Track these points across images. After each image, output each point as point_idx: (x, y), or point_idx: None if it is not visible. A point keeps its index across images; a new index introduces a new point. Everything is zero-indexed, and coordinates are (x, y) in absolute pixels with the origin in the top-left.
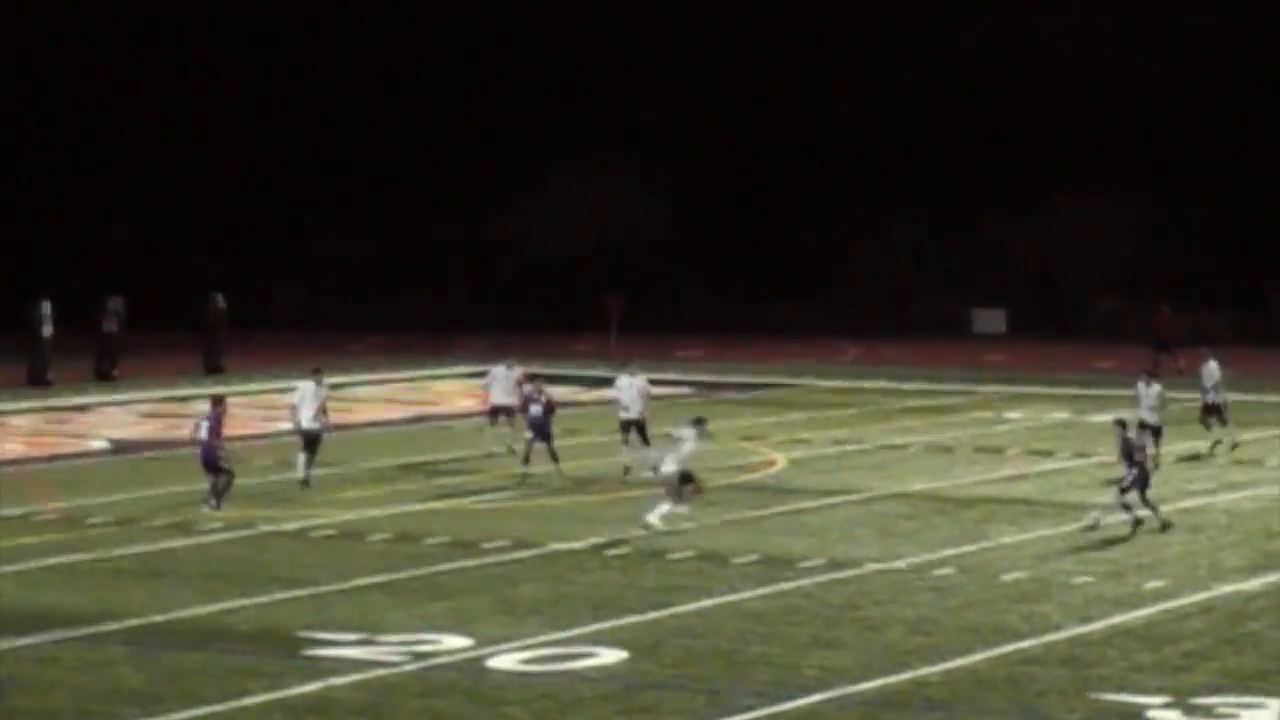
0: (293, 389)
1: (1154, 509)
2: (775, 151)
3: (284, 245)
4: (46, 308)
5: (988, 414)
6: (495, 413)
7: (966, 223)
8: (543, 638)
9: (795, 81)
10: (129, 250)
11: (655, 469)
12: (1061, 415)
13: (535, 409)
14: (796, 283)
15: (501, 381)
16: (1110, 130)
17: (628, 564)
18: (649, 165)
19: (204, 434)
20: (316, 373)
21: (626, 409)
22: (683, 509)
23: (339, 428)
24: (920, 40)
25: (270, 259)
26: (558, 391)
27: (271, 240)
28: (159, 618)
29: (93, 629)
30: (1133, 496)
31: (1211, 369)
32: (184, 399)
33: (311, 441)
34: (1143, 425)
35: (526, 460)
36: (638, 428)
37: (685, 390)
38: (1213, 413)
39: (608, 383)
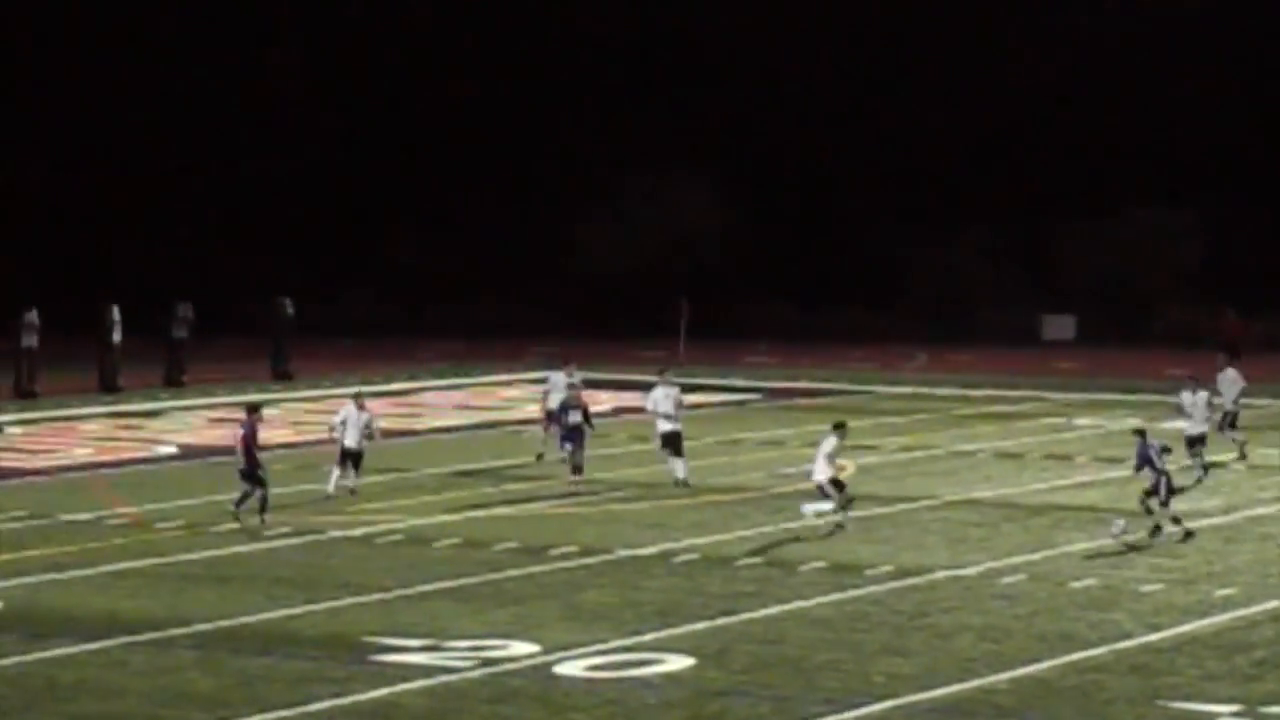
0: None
1: (1177, 520)
2: (845, 157)
3: (355, 250)
4: (116, 314)
5: (1058, 420)
6: (553, 419)
7: (1035, 229)
8: (610, 644)
9: (865, 87)
10: (198, 256)
11: (809, 476)
12: (1132, 422)
13: (574, 416)
14: (865, 289)
15: (560, 388)
16: (1179, 137)
17: (694, 570)
18: (719, 172)
19: (238, 441)
20: (358, 396)
21: (668, 419)
22: (835, 515)
23: (405, 434)
24: (991, 47)
25: (341, 264)
26: (625, 398)
27: (343, 245)
28: (227, 622)
29: (161, 633)
30: (1155, 502)
31: (1230, 376)
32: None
33: (354, 458)
34: (1190, 441)
35: (578, 469)
36: (674, 439)
37: (753, 396)
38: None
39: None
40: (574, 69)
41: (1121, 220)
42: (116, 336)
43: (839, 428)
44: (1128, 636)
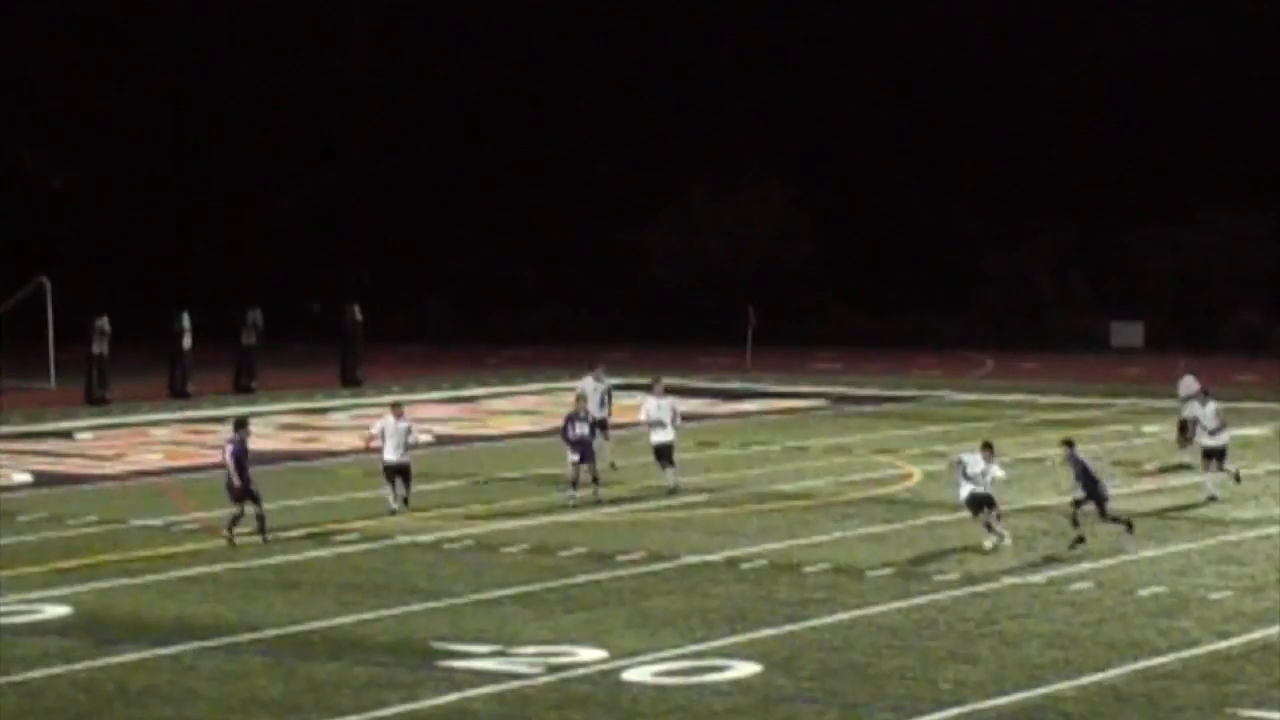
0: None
1: (1123, 521)
2: (914, 163)
3: (425, 257)
4: (186, 320)
5: (1126, 427)
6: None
7: (1105, 235)
8: (677, 650)
9: (934, 93)
10: (268, 263)
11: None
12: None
13: (581, 428)
14: (933, 295)
15: (591, 393)
16: (1251, 142)
17: (762, 577)
18: (787, 178)
19: (228, 458)
20: (396, 406)
21: (661, 428)
22: (999, 533)
23: (474, 439)
24: (1061, 54)
25: (411, 271)
26: (691, 405)
27: (412, 252)
28: (296, 628)
29: (231, 639)
30: (1083, 513)
31: (1189, 383)
32: (321, 411)
33: (399, 472)
34: (1209, 453)
35: (596, 480)
36: (666, 451)
37: (820, 403)
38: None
39: (742, 395)
40: (642, 76)
41: (1191, 227)
42: (187, 343)
43: (987, 448)
44: (1196, 644)
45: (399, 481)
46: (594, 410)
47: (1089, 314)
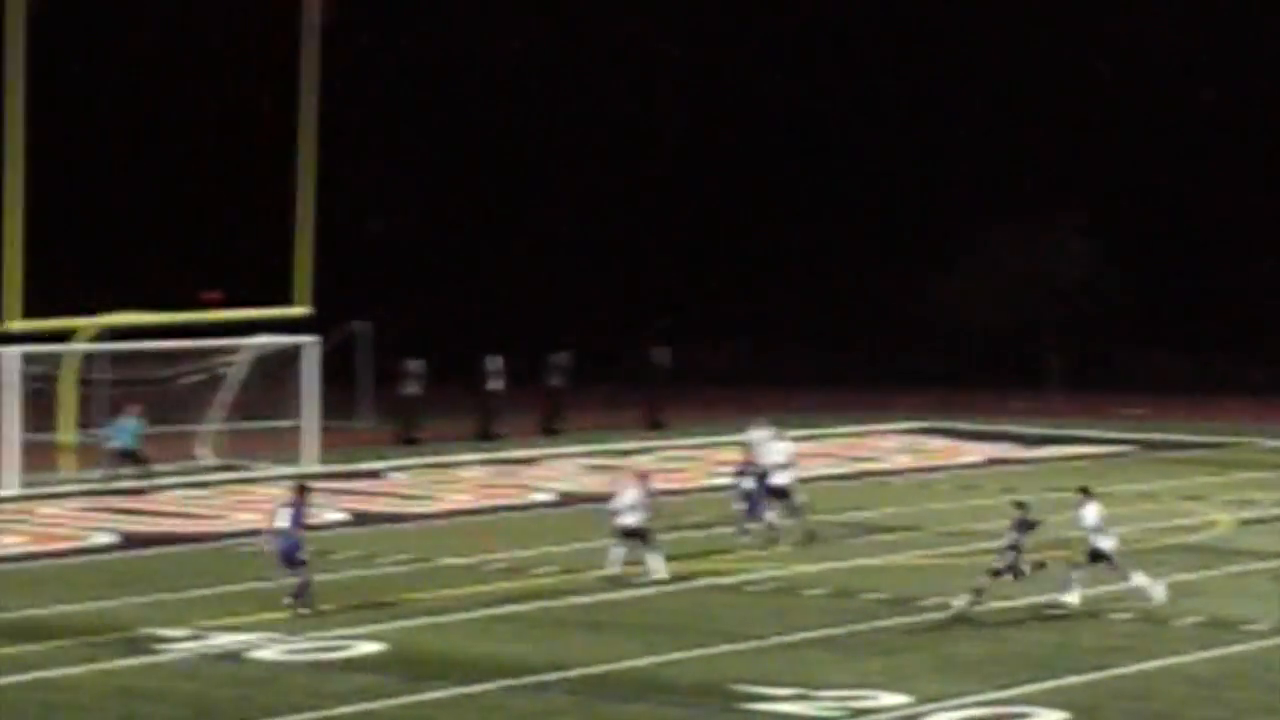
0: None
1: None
2: (1223, 201)
3: (728, 300)
4: (496, 362)
5: None
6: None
7: None
8: (980, 697)
9: (1239, 127)
10: (575, 306)
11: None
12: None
13: (747, 483)
14: (1243, 336)
15: (761, 444)
16: None
17: (1067, 624)
18: (1090, 218)
19: (285, 522)
20: (643, 478)
21: (781, 467)
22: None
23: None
24: None
25: (714, 313)
26: (996, 449)
27: (716, 295)
28: (601, 668)
29: (538, 678)
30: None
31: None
32: (625, 453)
33: (636, 535)
34: None
35: (746, 531)
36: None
37: (1126, 448)
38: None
39: (1046, 440)
40: (938, 117)
41: None
42: (497, 384)
43: (1085, 492)
44: None
45: (635, 541)
46: (764, 461)
47: None
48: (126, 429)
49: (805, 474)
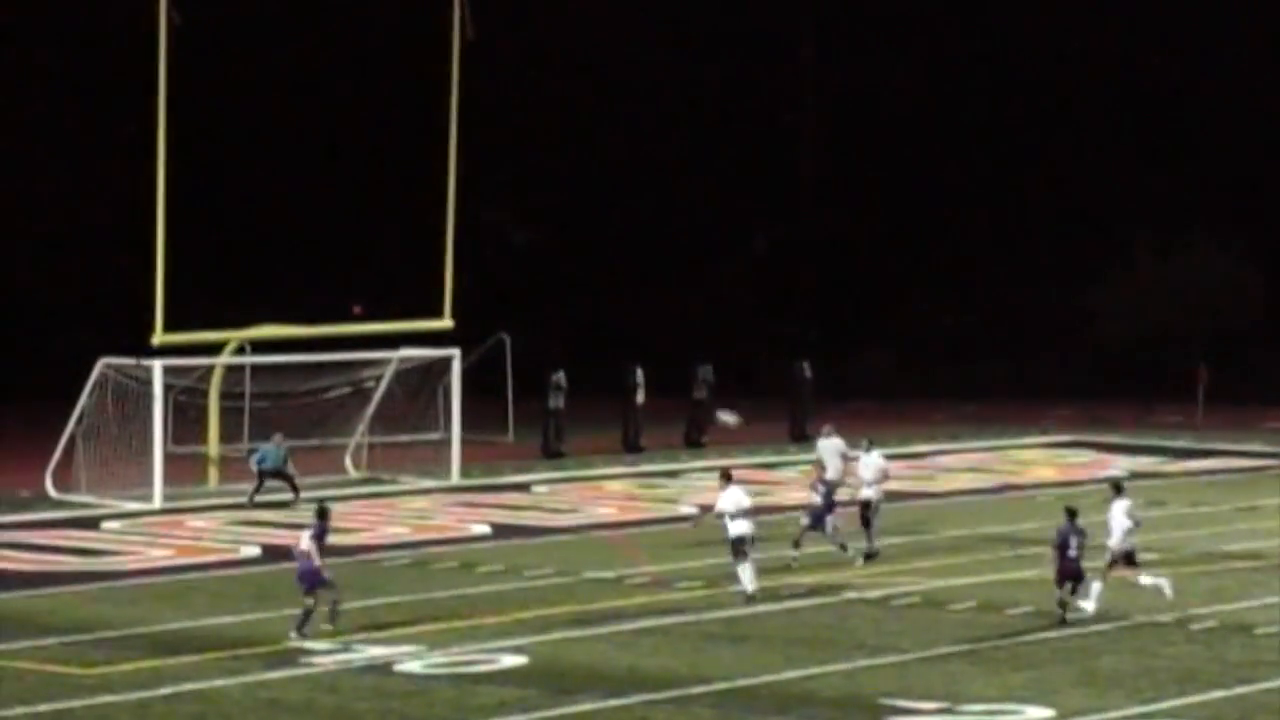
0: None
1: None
2: None
3: (872, 313)
4: (639, 375)
5: None
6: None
7: None
8: (1125, 711)
9: None
10: (718, 319)
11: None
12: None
13: (816, 498)
14: None
15: (828, 455)
16: None
17: (1213, 638)
18: (1237, 231)
19: (307, 545)
20: (726, 478)
21: (867, 485)
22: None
23: (922, 496)
24: None
25: (858, 327)
26: (1141, 463)
27: (859, 308)
28: (745, 681)
29: (681, 691)
30: (1064, 592)
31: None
32: (770, 466)
33: (744, 543)
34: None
35: (844, 548)
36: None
37: (1272, 463)
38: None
39: (1192, 454)
40: (1083, 130)
41: None
42: (640, 398)
43: (1118, 488)
44: None
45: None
46: (832, 473)
47: None
48: (269, 455)
49: (948, 489)
